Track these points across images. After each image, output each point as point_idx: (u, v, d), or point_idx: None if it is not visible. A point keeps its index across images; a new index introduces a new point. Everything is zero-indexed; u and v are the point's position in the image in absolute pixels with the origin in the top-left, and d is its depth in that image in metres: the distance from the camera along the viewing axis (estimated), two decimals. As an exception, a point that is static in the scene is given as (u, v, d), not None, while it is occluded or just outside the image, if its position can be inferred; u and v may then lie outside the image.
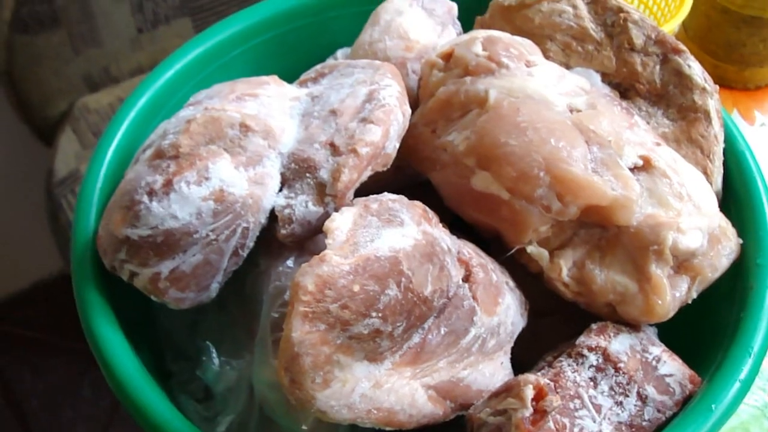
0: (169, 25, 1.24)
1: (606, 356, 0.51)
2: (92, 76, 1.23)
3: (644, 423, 0.50)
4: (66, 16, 1.15)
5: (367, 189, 0.52)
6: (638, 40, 0.62)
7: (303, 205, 0.50)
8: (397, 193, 0.51)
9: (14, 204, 1.35)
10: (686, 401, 0.51)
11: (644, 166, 0.53)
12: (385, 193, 0.49)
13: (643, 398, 0.50)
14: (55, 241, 1.20)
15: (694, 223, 0.53)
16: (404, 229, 0.46)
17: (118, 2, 1.17)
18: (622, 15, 0.63)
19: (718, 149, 0.61)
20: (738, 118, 0.97)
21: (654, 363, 0.52)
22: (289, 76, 0.61)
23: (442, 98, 0.57)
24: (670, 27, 0.84)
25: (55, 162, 1.17)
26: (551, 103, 0.54)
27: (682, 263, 0.53)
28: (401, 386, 0.46)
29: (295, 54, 0.71)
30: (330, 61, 0.63)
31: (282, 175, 0.52)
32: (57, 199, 1.14)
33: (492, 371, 0.52)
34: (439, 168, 0.56)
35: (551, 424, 0.46)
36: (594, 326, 0.53)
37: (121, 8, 1.18)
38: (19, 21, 1.11)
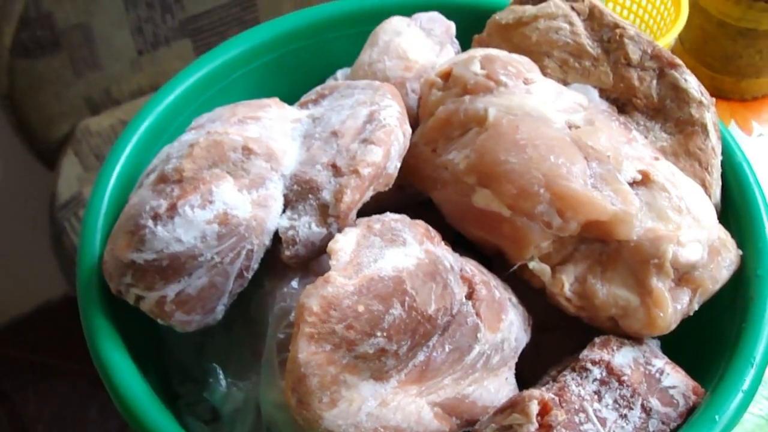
0: (170, 46, 1.24)
1: (610, 369, 0.51)
2: (93, 98, 1.23)
3: None
4: (67, 39, 1.15)
5: (368, 208, 0.53)
6: (634, 55, 0.63)
7: (306, 226, 0.51)
8: (399, 212, 0.52)
9: (17, 227, 1.36)
10: (690, 413, 0.52)
11: (643, 181, 0.54)
12: (388, 213, 0.50)
13: (647, 411, 0.51)
14: (59, 264, 1.20)
15: (693, 236, 0.53)
16: (407, 248, 0.47)
17: (118, 25, 1.18)
18: (618, 31, 0.63)
19: (716, 162, 0.61)
20: (736, 129, 0.97)
21: (657, 375, 0.52)
22: (290, 97, 0.62)
23: (441, 117, 0.57)
24: (666, 41, 0.85)
25: (57, 185, 1.17)
26: (550, 120, 0.55)
27: (683, 276, 0.54)
28: (407, 404, 0.47)
29: (295, 75, 0.72)
30: (330, 83, 0.63)
31: (285, 196, 0.53)
32: (60, 222, 1.14)
33: (497, 387, 0.52)
34: (440, 186, 0.56)
35: None
36: (597, 340, 0.53)
37: (122, 31, 1.19)
38: (20, 46, 1.12)
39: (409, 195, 0.61)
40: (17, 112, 1.19)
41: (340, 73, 0.71)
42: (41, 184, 1.25)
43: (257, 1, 1.27)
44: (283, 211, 0.53)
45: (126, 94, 1.26)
